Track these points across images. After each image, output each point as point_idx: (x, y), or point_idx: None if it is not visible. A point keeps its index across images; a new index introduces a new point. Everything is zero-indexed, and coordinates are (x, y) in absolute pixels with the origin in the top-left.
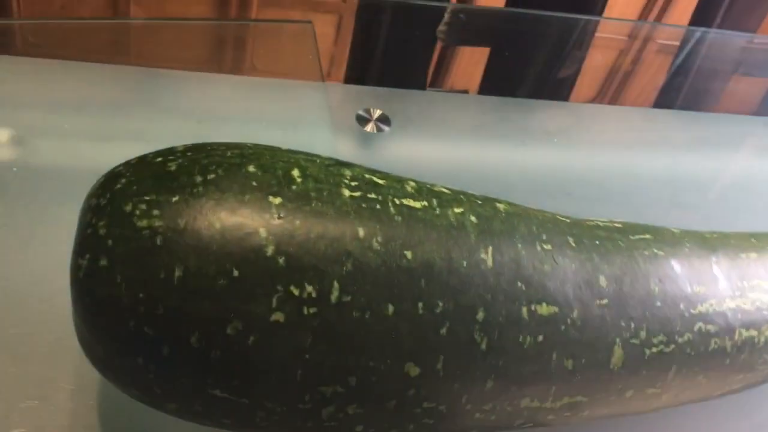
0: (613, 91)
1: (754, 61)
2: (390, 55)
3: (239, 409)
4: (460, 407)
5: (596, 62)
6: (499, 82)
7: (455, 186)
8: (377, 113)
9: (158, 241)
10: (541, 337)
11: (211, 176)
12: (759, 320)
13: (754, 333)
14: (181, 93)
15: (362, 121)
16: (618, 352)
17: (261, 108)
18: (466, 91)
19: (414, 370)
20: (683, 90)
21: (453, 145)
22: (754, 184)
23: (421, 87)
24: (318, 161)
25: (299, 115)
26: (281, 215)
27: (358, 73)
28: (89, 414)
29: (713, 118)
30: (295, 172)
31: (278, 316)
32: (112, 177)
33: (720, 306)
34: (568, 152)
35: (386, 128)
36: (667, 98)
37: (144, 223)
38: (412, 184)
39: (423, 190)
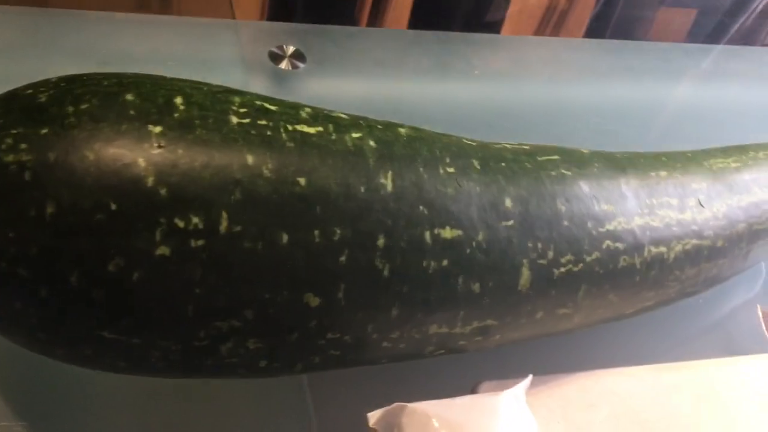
0: (552, 25)
1: None
2: None
3: (132, 350)
4: (366, 336)
5: (529, 2)
6: (430, 18)
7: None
8: (291, 50)
9: (27, 176)
10: (445, 262)
11: (85, 106)
12: (668, 237)
13: (663, 249)
14: (82, 34)
15: (275, 58)
16: (525, 273)
17: (168, 48)
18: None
19: (314, 300)
20: (612, 20)
21: (371, 81)
22: (681, 111)
23: (355, 25)
24: (205, 89)
25: (209, 55)
26: (162, 144)
27: (282, 11)
28: None
29: (641, 46)
30: (178, 100)
31: (163, 250)
32: None
33: (628, 224)
34: (491, 85)
35: (301, 65)
36: (597, 28)
37: (10, 158)
38: (308, 110)
39: (319, 116)
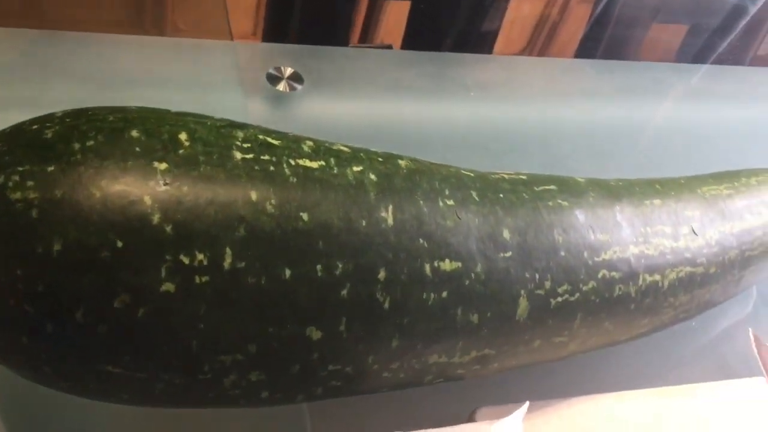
0: (540, 44)
1: (672, 8)
2: (308, 12)
3: (136, 384)
4: (367, 367)
5: (522, 13)
6: (422, 37)
7: (371, 144)
8: (288, 71)
9: (34, 213)
10: (445, 293)
11: (90, 143)
12: (662, 265)
13: (657, 277)
14: (81, 56)
15: (273, 80)
16: (523, 303)
17: (167, 70)
18: (390, 47)
19: (316, 334)
20: (603, 40)
21: (369, 102)
22: (672, 132)
23: (344, 45)
24: (209, 123)
25: (207, 77)
26: (167, 181)
27: (276, 32)
28: None
29: (632, 66)
30: (183, 136)
31: (168, 287)
32: None
33: (623, 253)
34: (486, 106)
35: (299, 87)
36: (588, 49)
37: (17, 195)
38: (310, 143)
39: (320, 150)
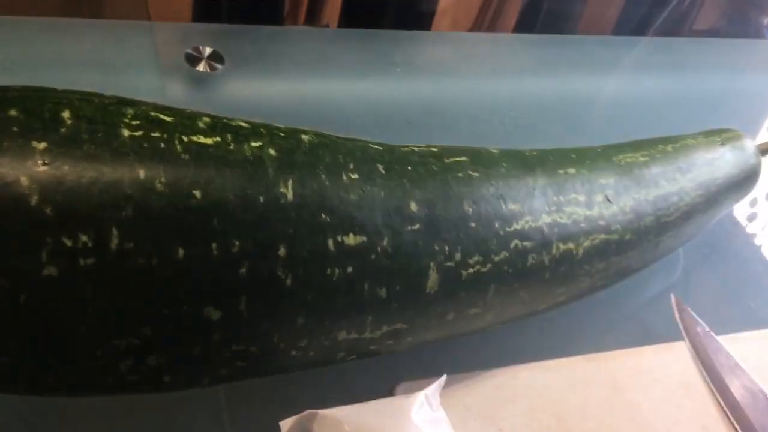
0: (488, 20)
1: None
2: None
3: (25, 373)
4: (273, 346)
5: None
6: (361, 15)
7: (294, 124)
8: (208, 51)
9: None
10: (350, 269)
11: None
12: (576, 233)
13: (571, 245)
14: None
15: (192, 60)
16: (433, 276)
17: (78, 51)
18: (327, 26)
19: (215, 314)
20: (541, 14)
21: (292, 81)
22: (607, 105)
23: (278, 24)
24: (96, 101)
25: (123, 57)
26: (46, 161)
27: (207, 13)
28: None
29: (568, 40)
30: (66, 114)
31: (51, 270)
32: None
33: (536, 222)
34: (412, 82)
35: (219, 67)
36: (527, 23)
37: None
38: (206, 119)
39: (217, 126)
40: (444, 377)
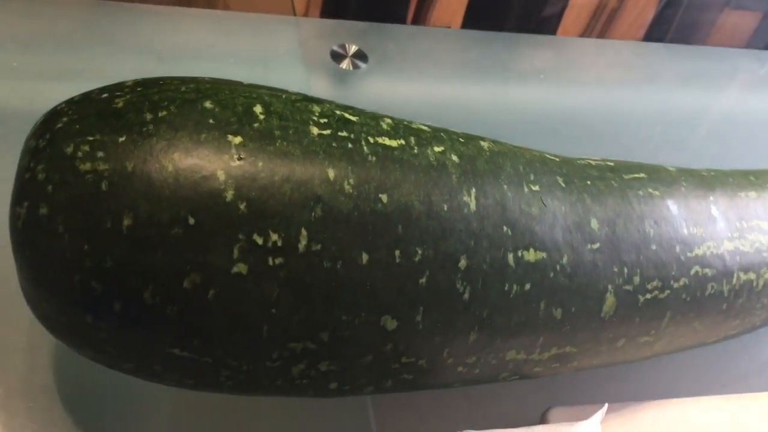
0: (602, 24)
1: None
2: None
3: (202, 369)
4: (442, 361)
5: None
6: (482, 17)
7: (437, 126)
8: (353, 49)
9: (103, 186)
10: (528, 285)
11: (163, 113)
12: (758, 262)
13: (752, 276)
14: (141, 28)
15: (337, 57)
16: (610, 299)
17: (228, 44)
18: (449, 27)
19: (391, 324)
20: (673, 23)
21: (434, 82)
22: (745, 119)
23: (402, 22)
24: (284, 97)
25: (270, 52)
26: (241, 156)
27: (335, 7)
28: (44, 374)
29: (704, 51)
30: (258, 109)
31: (240, 268)
32: (52, 116)
33: (718, 248)
34: (555, 89)
35: (363, 65)
36: (657, 32)
37: (87, 166)
38: (388, 121)
39: (400, 128)
40: (606, 406)
